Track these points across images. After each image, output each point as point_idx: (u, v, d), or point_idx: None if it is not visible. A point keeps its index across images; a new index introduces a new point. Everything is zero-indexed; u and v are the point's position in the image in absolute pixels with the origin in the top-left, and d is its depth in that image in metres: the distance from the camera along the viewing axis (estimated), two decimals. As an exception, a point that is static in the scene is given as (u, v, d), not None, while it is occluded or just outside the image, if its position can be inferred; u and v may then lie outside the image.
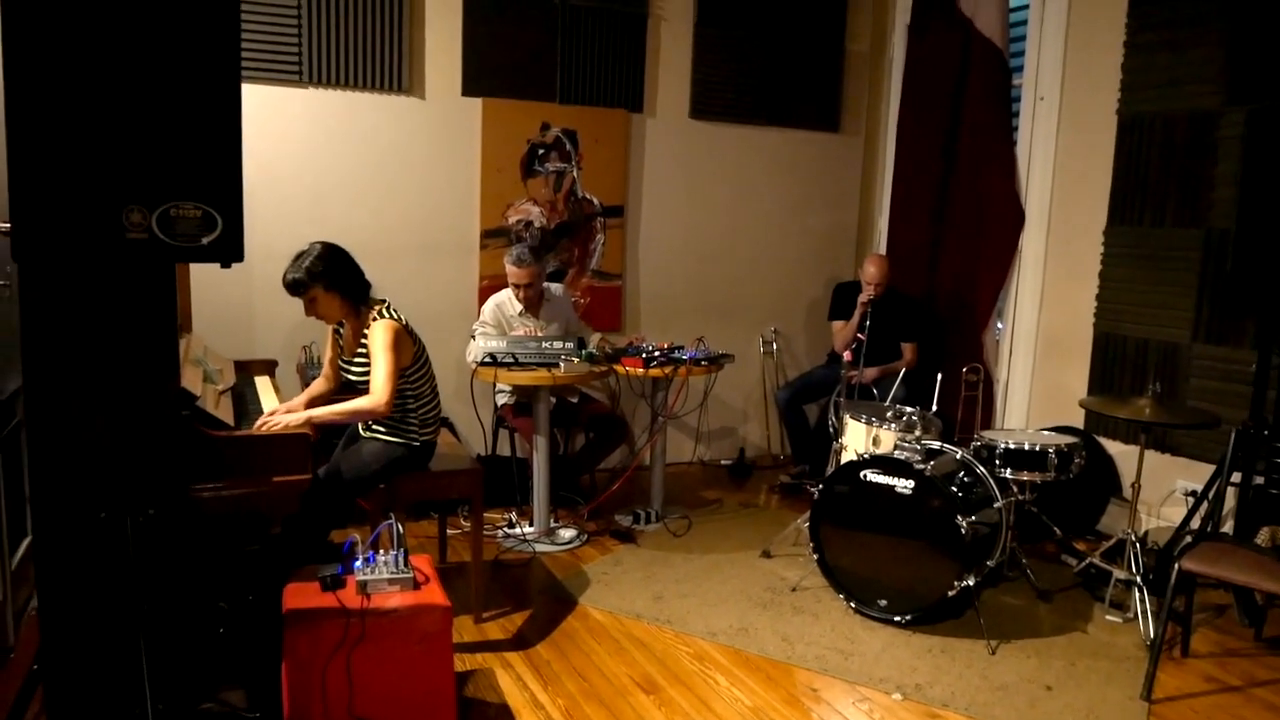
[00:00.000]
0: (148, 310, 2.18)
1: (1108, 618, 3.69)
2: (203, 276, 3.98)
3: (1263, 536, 3.56)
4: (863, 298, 4.97)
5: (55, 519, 2.20)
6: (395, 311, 3.29)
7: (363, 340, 3.26)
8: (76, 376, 2.14)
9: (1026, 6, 4.99)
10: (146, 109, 1.99)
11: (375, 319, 3.23)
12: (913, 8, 5.58)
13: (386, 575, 2.65)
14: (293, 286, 3.17)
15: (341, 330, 3.44)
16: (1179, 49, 4.22)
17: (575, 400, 4.82)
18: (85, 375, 2.14)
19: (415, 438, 3.35)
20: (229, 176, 2.07)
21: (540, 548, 4.23)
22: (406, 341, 3.27)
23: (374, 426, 3.35)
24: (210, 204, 2.05)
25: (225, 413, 2.94)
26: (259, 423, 2.90)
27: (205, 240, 2.05)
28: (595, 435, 4.81)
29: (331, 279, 3.19)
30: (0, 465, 2.58)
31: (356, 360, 3.31)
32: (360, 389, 3.25)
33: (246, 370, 3.93)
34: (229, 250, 2.09)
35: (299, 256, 3.19)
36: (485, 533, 3.93)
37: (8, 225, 1.97)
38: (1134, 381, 4.42)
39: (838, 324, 5.32)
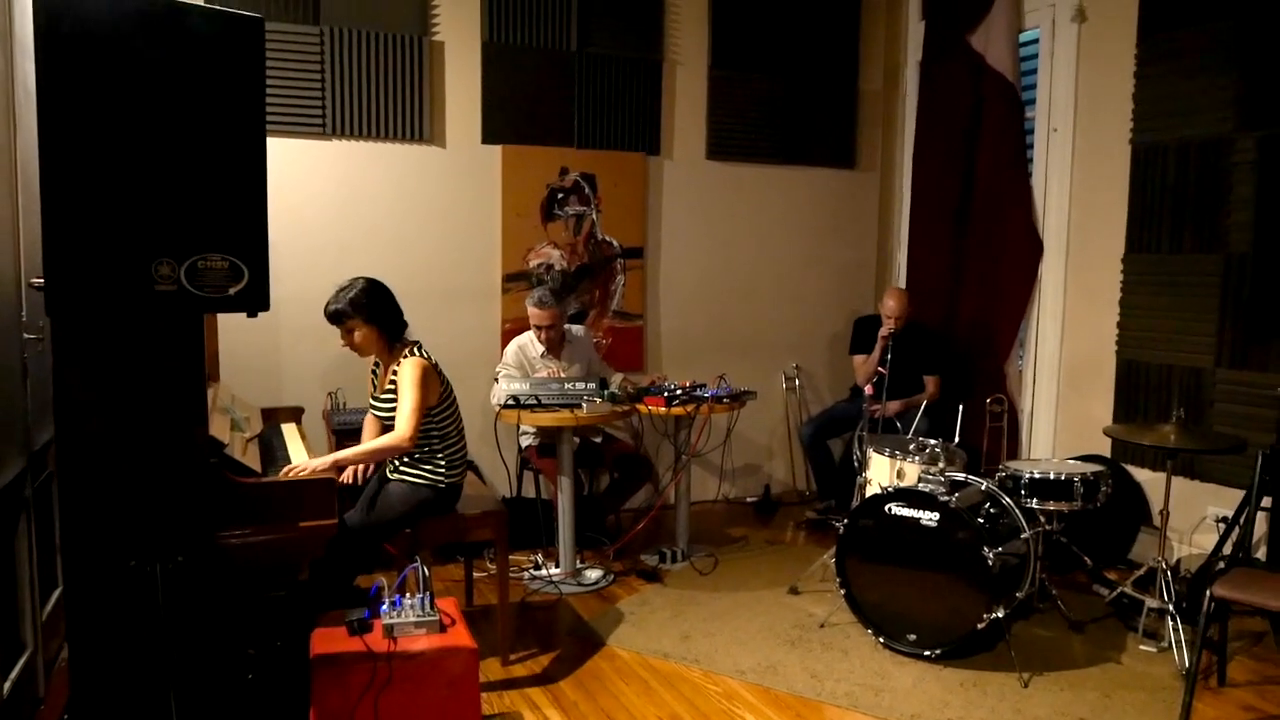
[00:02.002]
0: (176, 360, 2.24)
1: (1141, 648, 3.63)
2: (230, 325, 4.06)
3: (1296, 562, 3.50)
4: (883, 331, 4.97)
5: (85, 567, 2.24)
6: (426, 351, 3.37)
7: (392, 377, 3.33)
8: (107, 426, 2.19)
9: (1037, 40, 5.04)
10: (174, 164, 2.06)
11: (406, 356, 3.31)
12: (924, 45, 5.64)
13: (413, 618, 2.67)
14: (335, 316, 3.27)
15: (376, 369, 3.52)
16: (1189, 77, 4.24)
17: (599, 440, 4.84)
18: (115, 424, 2.19)
19: (443, 479, 3.38)
20: (255, 228, 2.14)
21: (566, 589, 4.23)
22: (434, 380, 3.33)
23: (401, 469, 3.38)
24: (237, 255, 2.11)
25: (252, 460, 2.98)
26: (285, 470, 2.93)
27: (232, 290, 2.11)
28: (619, 475, 4.82)
29: (372, 313, 3.29)
30: (32, 517, 2.63)
31: (384, 397, 3.37)
32: (389, 427, 3.30)
33: (273, 418, 3.98)
34: (255, 300, 2.15)
35: (343, 288, 3.30)
36: (511, 575, 3.95)
37: (41, 280, 2.04)
38: (1159, 408, 4.39)
39: (859, 358, 5.32)
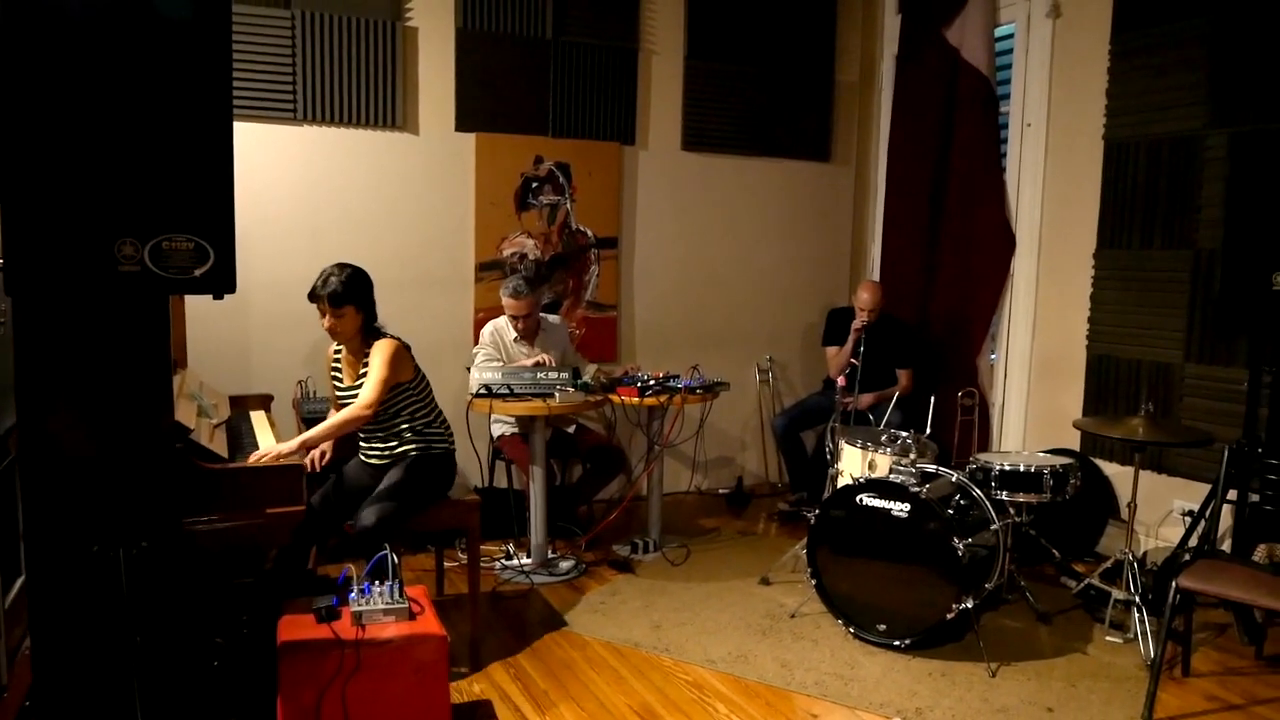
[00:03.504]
0: (141, 342, 2.19)
1: (1108, 638, 3.67)
2: (198, 312, 4.00)
3: (1260, 553, 3.55)
4: (855, 324, 4.98)
5: (49, 553, 2.20)
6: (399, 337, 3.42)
7: (364, 363, 3.35)
8: (70, 409, 2.15)
9: (1012, 35, 5.06)
10: (138, 142, 2.01)
11: (384, 338, 3.37)
12: (900, 38, 5.65)
13: (381, 606, 2.65)
14: (334, 298, 3.26)
15: (339, 363, 3.49)
16: (1162, 74, 4.28)
17: (572, 430, 4.83)
18: (79, 407, 2.15)
19: (441, 441, 3.48)
20: (221, 209, 2.09)
21: (538, 579, 4.21)
22: (407, 359, 3.40)
23: (410, 444, 3.42)
24: (202, 236, 2.06)
25: (219, 447, 2.94)
26: (253, 456, 2.90)
27: (198, 272, 2.07)
28: (592, 465, 4.81)
29: (363, 300, 3.34)
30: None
31: (359, 384, 3.36)
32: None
33: (242, 405, 3.94)
34: (221, 282, 2.10)
35: (332, 273, 3.30)
36: (482, 564, 3.93)
37: (0, 260, 1.99)
38: (1128, 403, 4.43)
39: (831, 350, 5.34)
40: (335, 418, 3.36)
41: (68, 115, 1.96)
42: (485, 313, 5.02)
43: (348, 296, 3.29)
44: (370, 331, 3.40)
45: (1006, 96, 5.10)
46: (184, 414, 2.80)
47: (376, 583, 2.70)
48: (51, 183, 1.96)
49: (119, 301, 2.15)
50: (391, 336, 3.40)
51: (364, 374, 3.35)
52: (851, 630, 3.65)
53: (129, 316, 2.17)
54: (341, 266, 3.34)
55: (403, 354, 3.37)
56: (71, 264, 1.97)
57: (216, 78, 2.08)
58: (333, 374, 3.54)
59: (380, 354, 3.30)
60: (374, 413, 3.27)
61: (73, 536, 2.19)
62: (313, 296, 3.32)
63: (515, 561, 4.33)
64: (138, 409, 2.21)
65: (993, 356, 5.22)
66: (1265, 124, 3.88)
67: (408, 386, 3.40)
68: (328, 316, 3.30)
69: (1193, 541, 3.84)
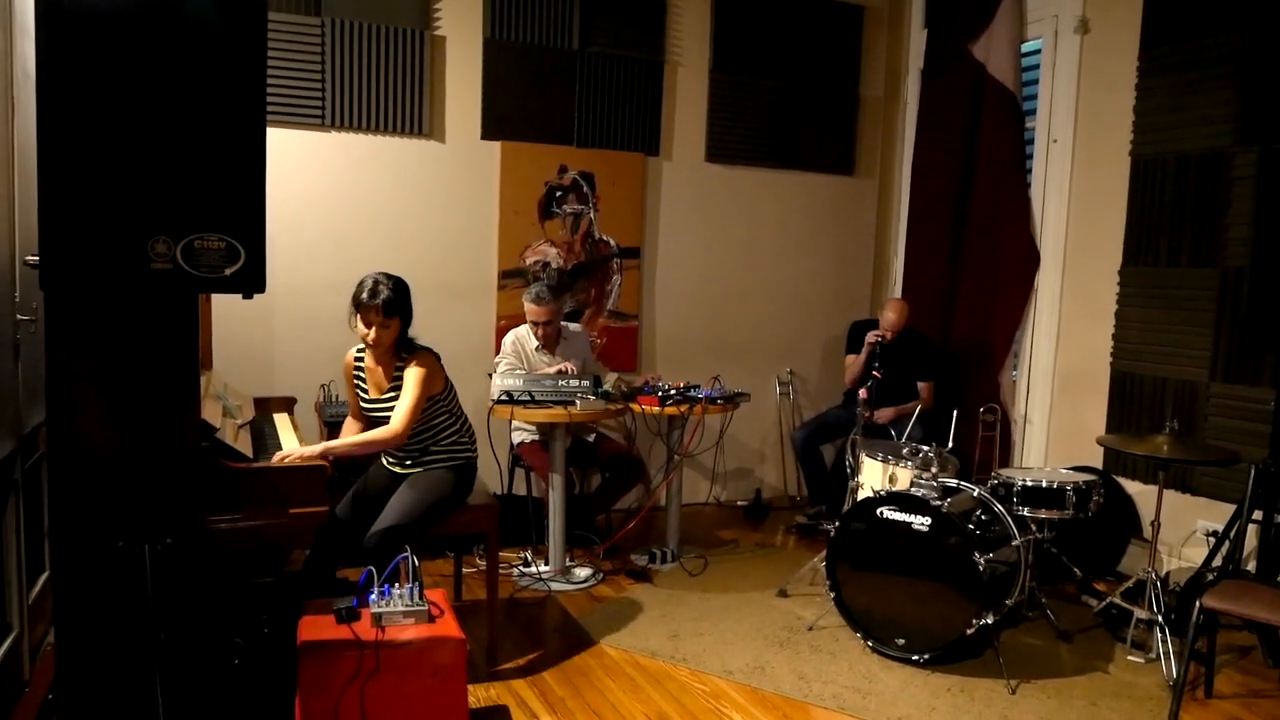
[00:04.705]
0: (170, 340, 2.22)
1: (1129, 658, 3.63)
2: (224, 314, 4.04)
3: (1286, 575, 3.51)
4: (870, 337, 4.95)
5: (73, 550, 2.22)
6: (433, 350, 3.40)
7: (396, 375, 3.31)
8: (98, 405, 2.17)
9: (1039, 51, 5.05)
10: (173, 144, 2.05)
11: (420, 352, 3.32)
12: (926, 53, 5.65)
13: (401, 608, 2.66)
14: (389, 306, 3.19)
15: (362, 371, 3.44)
16: (1190, 90, 4.26)
17: (591, 439, 4.83)
18: (107, 404, 2.18)
19: (473, 452, 3.51)
20: (252, 209, 2.12)
21: (556, 586, 4.22)
22: (439, 374, 3.37)
23: (434, 454, 3.41)
24: (234, 236, 2.10)
25: (244, 447, 2.97)
26: (276, 457, 2.92)
27: (228, 271, 2.10)
28: (611, 474, 4.81)
29: (407, 310, 3.31)
30: (20, 500, 2.61)
31: (387, 397, 3.33)
32: (380, 421, 3.28)
33: (266, 407, 3.97)
34: (251, 281, 2.13)
35: (381, 280, 3.23)
36: (501, 571, 3.93)
37: (35, 258, 2.02)
38: (1152, 420, 4.39)
39: (850, 357, 5.33)
40: (363, 435, 3.26)
41: (105, 116, 2.00)
42: (507, 320, 5.04)
43: (398, 306, 3.23)
44: (404, 342, 3.33)
45: (1033, 112, 5.09)
46: (210, 414, 2.83)
47: (396, 585, 2.71)
48: (88, 181, 2.00)
49: (150, 299, 2.18)
50: (424, 348, 3.35)
51: (393, 388, 3.30)
52: (870, 644, 3.62)
53: (160, 314, 2.21)
54: (388, 275, 3.26)
55: (436, 370, 3.31)
56: (105, 261, 2.01)
57: (251, 81, 2.11)
58: (356, 381, 3.46)
59: (415, 377, 3.23)
60: (404, 440, 3.24)
61: (98, 532, 2.21)
62: (360, 305, 3.21)
63: (533, 569, 4.33)
64: (165, 406, 2.24)
65: (1015, 372, 5.19)
66: (1295, 142, 3.86)
67: (438, 399, 3.36)
68: (374, 327, 3.21)
69: (1217, 561, 3.79)
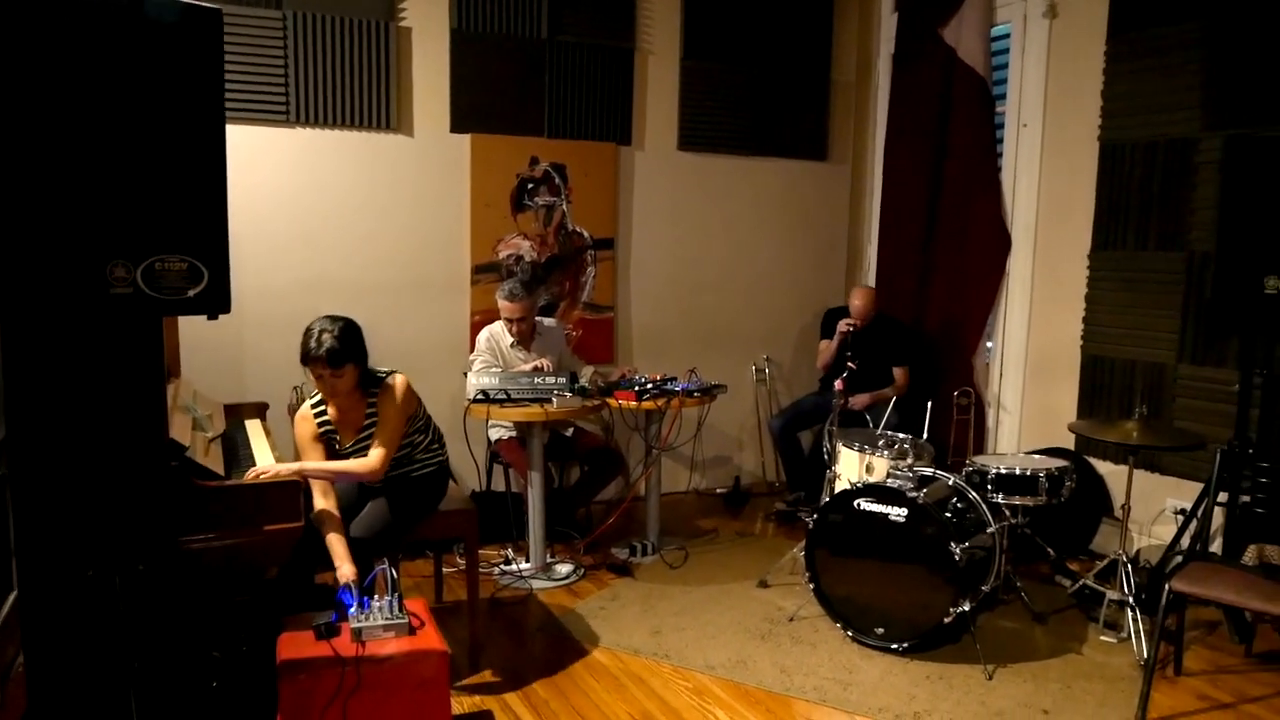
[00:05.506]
0: (134, 364, 2.17)
1: (1102, 638, 3.69)
2: (191, 319, 3.96)
3: (1249, 554, 3.57)
4: (841, 326, 4.97)
5: (42, 575, 2.18)
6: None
7: (370, 412, 3.24)
8: (61, 431, 2.12)
9: (1008, 35, 5.05)
10: (129, 162, 1.96)
11: (389, 379, 3.24)
12: (896, 38, 5.64)
13: (381, 621, 2.65)
14: (334, 356, 3.01)
15: (328, 424, 3.27)
16: (1158, 76, 4.28)
17: (569, 433, 4.83)
18: (71, 430, 2.12)
19: (435, 457, 3.47)
20: (214, 228, 2.06)
21: (537, 584, 4.22)
22: (413, 397, 3.33)
23: (411, 465, 3.38)
24: (196, 256, 2.04)
25: (215, 460, 2.94)
26: (250, 474, 2.88)
27: (191, 293, 2.05)
28: (590, 469, 4.81)
29: (359, 353, 3.13)
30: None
31: (363, 436, 3.25)
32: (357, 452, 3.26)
33: (237, 414, 3.92)
34: (215, 302, 2.08)
35: (324, 328, 3.04)
36: (481, 570, 3.93)
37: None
38: (1122, 403, 4.45)
39: (824, 343, 5.35)
40: (340, 464, 3.19)
41: (56, 134, 1.92)
42: (481, 315, 5.01)
43: (347, 354, 3.04)
44: (367, 378, 3.20)
45: (1003, 96, 5.09)
46: (179, 429, 2.79)
47: (375, 597, 2.70)
48: (40, 204, 1.91)
49: (111, 324, 2.12)
50: (387, 375, 3.23)
51: (368, 425, 3.23)
52: (850, 633, 3.66)
53: (121, 338, 2.14)
54: (332, 320, 3.07)
55: (409, 396, 3.25)
56: (62, 287, 1.94)
57: (209, 93, 2.05)
58: (325, 435, 3.26)
59: (391, 405, 3.17)
60: (380, 477, 3.18)
61: (66, 558, 2.17)
62: (307, 359, 3.04)
63: (514, 566, 4.33)
64: (131, 429, 2.19)
65: (987, 355, 5.22)
66: (1259, 128, 3.88)
67: (413, 417, 3.32)
68: (326, 378, 3.07)
69: (1184, 541, 3.86)
